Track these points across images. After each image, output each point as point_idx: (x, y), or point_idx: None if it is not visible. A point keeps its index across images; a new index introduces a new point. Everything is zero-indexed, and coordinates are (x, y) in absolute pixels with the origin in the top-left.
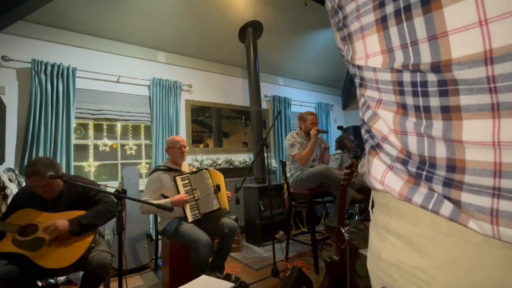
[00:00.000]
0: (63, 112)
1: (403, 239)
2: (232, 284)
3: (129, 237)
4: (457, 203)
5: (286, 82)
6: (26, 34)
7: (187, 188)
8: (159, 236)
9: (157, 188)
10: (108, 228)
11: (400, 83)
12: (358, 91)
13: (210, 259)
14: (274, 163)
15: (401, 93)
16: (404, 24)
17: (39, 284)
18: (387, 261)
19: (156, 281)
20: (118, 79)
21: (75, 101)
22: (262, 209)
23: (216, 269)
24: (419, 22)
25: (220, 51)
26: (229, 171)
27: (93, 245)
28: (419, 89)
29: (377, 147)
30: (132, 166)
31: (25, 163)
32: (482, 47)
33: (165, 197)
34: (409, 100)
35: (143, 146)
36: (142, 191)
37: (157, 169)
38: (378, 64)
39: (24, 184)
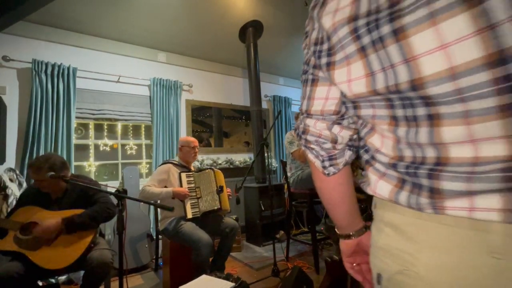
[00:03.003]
0: (64, 112)
1: (395, 228)
2: (232, 284)
3: (129, 237)
4: (437, 191)
5: (286, 82)
6: (26, 34)
7: (190, 185)
8: (160, 236)
9: (163, 179)
10: (109, 228)
11: (389, 99)
12: (352, 112)
13: (211, 259)
14: (274, 163)
15: (392, 107)
16: (379, 52)
17: (40, 284)
18: (382, 249)
19: (156, 281)
20: (119, 79)
21: (76, 101)
22: (263, 208)
23: (216, 268)
24: (393, 48)
25: (221, 51)
26: (229, 171)
27: (93, 245)
28: (405, 102)
29: (371, 159)
30: (133, 166)
31: (26, 163)
32: (446, 66)
33: None
34: (399, 112)
35: (143, 146)
36: None
37: (168, 162)
38: (362, 86)
39: (24, 184)
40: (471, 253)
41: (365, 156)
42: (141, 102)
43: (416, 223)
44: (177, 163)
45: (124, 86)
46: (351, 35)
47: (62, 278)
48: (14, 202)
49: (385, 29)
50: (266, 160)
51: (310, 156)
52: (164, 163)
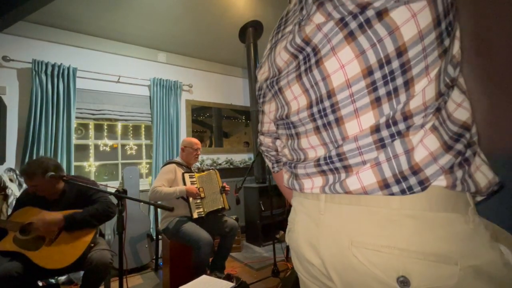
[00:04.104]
0: (64, 112)
1: (292, 206)
2: (232, 284)
3: (129, 237)
4: (296, 176)
5: None
6: (26, 35)
7: (194, 186)
8: (160, 236)
9: (171, 178)
10: (109, 228)
11: (283, 123)
12: (277, 131)
13: (211, 259)
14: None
15: (285, 128)
16: (278, 97)
17: (40, 284)
18: (288, 220)
19: (156, 281)
20: (119, 79)
21: (76, 101)
22: (263, 209)
23: (216, 268)
24: (281, 97)
25: (221, 51)
26: (229, 171)
27: (92, 245)
28: (286, 125)
29: (284, 164)
30: (133, 166)
31: (24, 165)
32: (296, 107)
33: None
34: (287, 131)
35: (143, 146)
36: (142, 191)
37: (173, 162)
38: (273, 115)
39: (24, 184)
40: (312, 213)
41: (283, 159)
42: (141, 102)
43: (296, 199)
44: (181, 162)
45: (124, 86)
46: (267, 88)
47: (62, 278)
48: (14, 202)
49: (276, 87)
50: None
51: (266, 160)
52: (168, 162)
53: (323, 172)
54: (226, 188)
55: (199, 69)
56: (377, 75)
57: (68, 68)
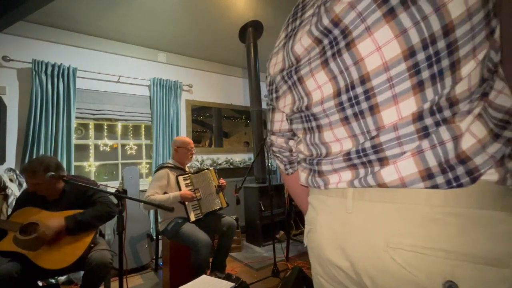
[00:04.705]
0: (64, 112)
1: (310, 204)
2: (232, 284)
3: (129, 237)
4: (321, 173)
5: None
6: (26, 35)
7: (189, 188)
8: (160, 236)
9: (164, 185)
10: (109, 228)
11: (300, 116)
12: (290, 127)
13: (211, 259)
14: (274, 163)
15: (301, 122)
16: (295, 89)
17: (40, 284)
18: (306, 220)
19: (156, 281)
20: (119, 79)
21: (76, 101)
22: (263, 209)
23: (217, 267)
24: (300, 88)
25: (221, 51)
26: (229, 171)
27: (93, 245)
28: (305, 118)
29: (301, 160)
30: (133, 166)
31: (25, 163)
32: (319, 97)
33: None
34: (305, 125)
35: (143, 146)
36: (142, 191)
37: (164, 166)
38: (289, 108)
39: (24, 184)
40: (337, 212)
41: (300, 156)
42: (141, 102)
43: (316, 198)
44: (172, 165)
45: (124, 86)
46: (282, 80)
47: (62, 278)
48: (14, 202)
49: (294, 77)
50: (266, 160)
51: (277, 161)
52: (159, 168)
53: (353, 166)
54: (222, 185)
55: (199, 69)
56: (420, 56)
57: (68, 68)
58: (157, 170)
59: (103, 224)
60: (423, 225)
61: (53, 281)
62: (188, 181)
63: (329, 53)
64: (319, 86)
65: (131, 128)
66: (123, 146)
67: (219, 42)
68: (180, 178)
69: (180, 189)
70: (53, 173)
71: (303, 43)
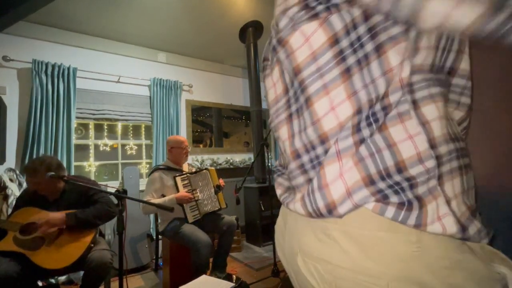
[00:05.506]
0: (64, 112)
1: None
2: (232, 284)
3: (129, 237)
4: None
5: None
6: (26, 34)
7: (187, 189)
8: (160, 236)
9: (158, 187)
10: (109, 228)
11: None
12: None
13: (211, 259)
14: (274, 163)
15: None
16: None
17: (40, 284)
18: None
19: (156, 281)
20: (119, 79)
21: (76, 101)
22: (263, 209)
23: (218, 266)
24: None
25: (221, 51)
26: (229, 171)
27: (92, 245)
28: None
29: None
30: (133, 166)
31: (26, 163)
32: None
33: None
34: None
35: (143, 146)
36: (142, 191)
37: (157, 169)
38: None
39: (24, 184)
40: (280, 217)
41: None
42: (141, 102)
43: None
44: (165, 167)
45: (124, 86)
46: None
47: (62, 278)
48: (14, 202)
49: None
50: (266, 160)
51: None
52: (152, 171)
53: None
54: (221, 185)
55: (199, 69)
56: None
57: (68, 68)
58: (149, 174)
59: (103, 223)
60: (320, 238)
61: (53, 281)
62: (186, 182)
63: (266, 71)
64: (274, 84)
65: (131, 128)
66: (123, 146)
67: (219, 42)
68: (178, 179)
69: (178, 190)
70: (53, 173)
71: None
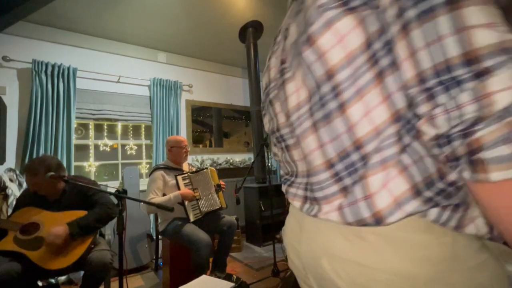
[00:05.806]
0: (64, 112)
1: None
2: (232, 284)
3: (129, 237)
4: (291, 193)
5: None
6: (26, 35)
7: (188, 187)
8: (160, 236)
9: (161, 186)
10: (109, 228)
11: (275, 137)
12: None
13: (211, 259)
14: (274, 163)
15: (278, 142)
16: (268, 110)
17: (40, 284)
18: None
19: (156, 281)
20: (119, 79)
21: (76, 101)
22: (263, 209)
23: (218, 266)
24: (271, 110)
25: (221, 51)
26: (229, 171)
27: (93, 245)
28: (278, 138)
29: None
30: (133, 166)
31: (26, 163)
32: (284, 119)
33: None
34: (279, 145)
35: (143, 146)
36: (142, 191)
37: (158, 168)
38: (266, 127)
39: (24, 184)
40: (298, 215)
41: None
42: (141, 102)
43: (290, 209)
44: (165, 166)
45: (124, 86)
46: (263, 95)
47: (62, 278)
48: (14, 202)
49: (266, 99)
50: (266, 160)
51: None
52: (154, 170)
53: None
54: (222, 186)
55: (199, 69)
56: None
57: (68, 68)
58: (151, 173)
59: (104, 226)
60: (350, 240)
61: (53, 281)
62: (187, 181)
63: (286, 75)
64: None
65: (131, 128)
66: (123, 146)
67: (219, 42)
68: (179, 178)
69: (179, 189)
70: (53, 173)
71: (271, 64)
